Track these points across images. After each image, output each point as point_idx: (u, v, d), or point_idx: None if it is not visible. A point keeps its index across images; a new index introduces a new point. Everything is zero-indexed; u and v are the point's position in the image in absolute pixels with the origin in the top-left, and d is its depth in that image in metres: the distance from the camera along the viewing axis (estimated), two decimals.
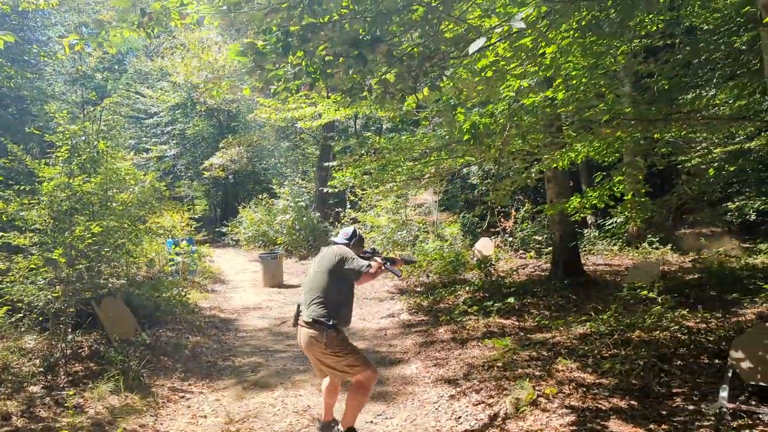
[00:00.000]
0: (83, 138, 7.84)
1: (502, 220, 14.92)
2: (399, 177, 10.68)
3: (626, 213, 6.21)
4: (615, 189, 5.90)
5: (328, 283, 4.27)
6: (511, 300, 8.31)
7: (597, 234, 15.38)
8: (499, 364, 6.16)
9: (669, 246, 13.33)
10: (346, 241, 4.62)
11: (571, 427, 4.43)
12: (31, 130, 8.06)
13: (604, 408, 4.70)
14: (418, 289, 11.00)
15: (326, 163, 10.85)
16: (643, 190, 5.59)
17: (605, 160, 4.64)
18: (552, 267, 10.45)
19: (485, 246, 14.71)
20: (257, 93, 4.73)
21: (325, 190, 11.30)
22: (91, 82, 27.95)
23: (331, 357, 4.25)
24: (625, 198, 5.82)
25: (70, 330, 7.15)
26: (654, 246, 13.52)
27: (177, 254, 12.49)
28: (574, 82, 4.82)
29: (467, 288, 9.71)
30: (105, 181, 7.66)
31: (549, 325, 7.49)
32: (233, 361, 7.37)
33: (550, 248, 13.55)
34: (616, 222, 6.38)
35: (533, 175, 5.33)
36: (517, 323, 7.92)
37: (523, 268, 11.26)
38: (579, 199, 6.21)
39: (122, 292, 8.84)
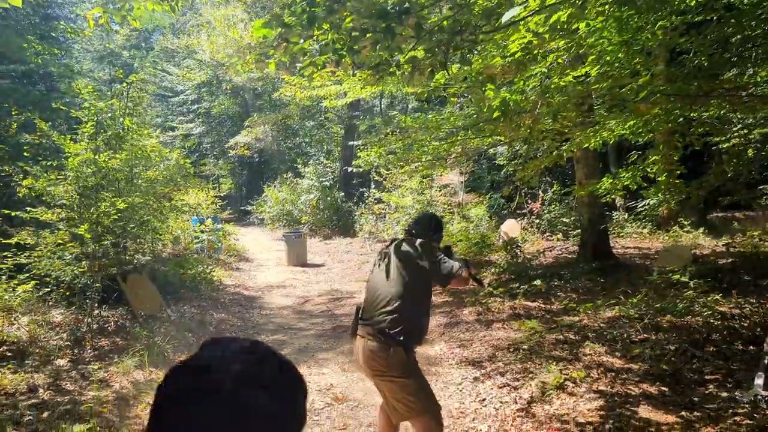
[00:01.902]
0: (109, 114, 7.85)
1: (529, 201, 14.70)
2: (425, 157, 10.54)
3: (660, 195, 6.01)
4: (649, 170, 5.71)
5: (407, 287, 3.27)
6: (537, 282, 8.18)
7: (626, 217, 15.09)
8: (525, 347, 6.06)
9: (701, 230, 13.02)
10: (427, 234, 3.60)
11: (599, 412, 4.33)
12: (58, 106, 8.11)
13: (633, 393, 4.58)
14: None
15: (351, 143, 10.76)
16: (678, 171, 5.39)
17: (639, 139, 4.45)
18: (580, 250, 10.27)
19: (511, 228, 14.53)
20: (283, 69, 4.62)
21: (349, 169, 11.23)
22: (118, 60, 28.17)
23: (391, 381, 3.22)
24: (660, 179, 5.63)
25: (96, 305, 7.22)
26: (685, 229, 13.22)
27: (202, 232, 12.56)
28: (608, 58, 4.63)
29: (493, 270, 9.58)
30: (130, 157, 7.66)
31: (576, 309, 7.35)
32: (258, 338, 7.37)
33: (578, 231, 13.37)
34: (648, 204, 6.19)
35: (564, 154, 5.16)
36: (544, 306, 7.79)
37: (550, 251, 11.09)
38: (610, 180, 6.03)
39: (148, 268, 8.91)
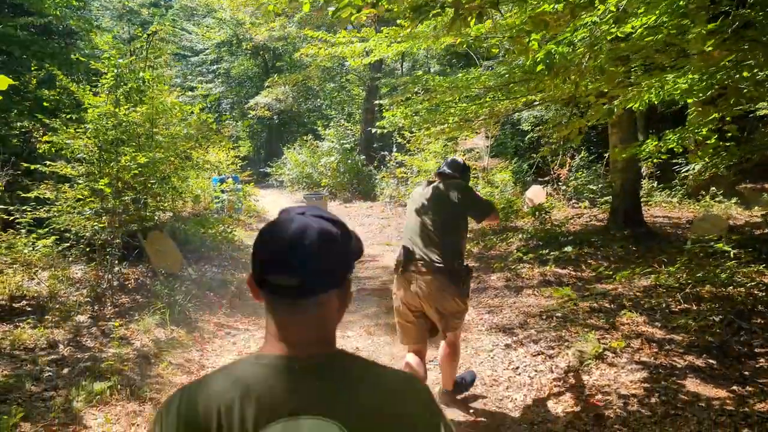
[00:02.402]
0: (130, 68, 7.60)
1: (555, 168, 14.31)
2: (451, 118, 10.21)
3: (706, 159, 5.67)
4: (695, 132, 5.35)
5: (449, 223, 3.68)
6: (568, 249, 7.91)
7: (655, 185, 14.66)
8: (559, 315, 5.83)
9: (733, 200, 12.59)
10: (458, 175, 3.94)
11: (643, 384, 4.10)
12: (77, 57, 7.86)
13: (678, 366, 4.34)
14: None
15: (376, 101, 10.36)
16: (730, 134, 5.04)
17: (699, 95, 4.10)
18: (610, 217, 9.93)
19: (537, 194, 14.20)
20: (309, 27, 4.32)
21: (372, 131, 10.91)
22: (137, 18, 27.76)
23: (457, 302, 3.66)
24: (709, 142, 5.28)
25: (116, 262, 7.08)
26: (717, 199, 12.80)
27: (222, 192, 12.39)
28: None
29: (520, 236, 9.30)
30: (151, 111, 7.42)
31: (610, 276, 7.09)
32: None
33: (606, 198, 13.00)
34: (693, 169, 5.82)
35: (615, 109, 4.82)
36: (575, 273, 7.53)
37: (578, 218, 10.77)
38: (655, 143, 5.69)
39: (168, 226, 8.76)
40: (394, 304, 3.89)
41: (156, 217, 7.29)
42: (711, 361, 4.37)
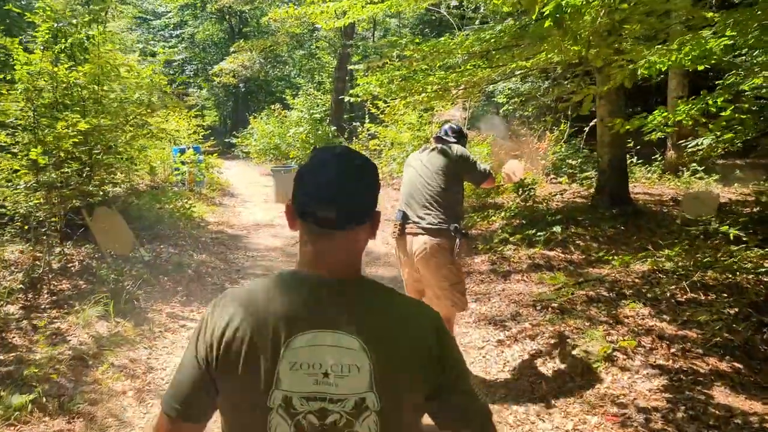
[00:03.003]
0: (71, 20, 6.70)
1: (536, 141, 13.75)
2: (430, 87, 9.52)
3: (717, 132, 5.11)
4: (711, 102, 4.78)
5: (448, 186, 3.73)
6: (557, 229, 7.35)
7: (634, 161, 14.22)
8: (554, 305, 5.25)
9: (713, 176, 12.20)
10: (455, 140, 4.02)
11: (664, 394, 3.54)
12: (9, 7, 6.90)
13: (701, 371, 3.79)
14: None
15: (350, 67, 9.65)
16: (747, 105, 4.49)
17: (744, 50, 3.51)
18: (596, 194, 9.40)
19: (515, 168, 13.50)
20: None
21: (345, 99, 10.14)
22: None
23: (451, 268, 3.71)
24: (724, 114, 4.72)
25: (58, 242, 6.30)
26: (698, 176, 12.39)
27: (183, 163, 11.52)
28: None
29: (502, 214, 8.71)
30: (96, 72, 6.55)
31: (602, 259, 6.56)
32: (242, 285, 6.51)
33: (587, 174, 12.51)
34: (701, 143, 5.34)
35: (639, 72, 4.18)
36: (564, 256, 6.97)
37: (561, 194, 10.22)
38: (664, 114, 5.10)
39: (121, 201, 7.95)
40: (400, 268, 4.04)
41: (104, 192, 6.45)
42: (737, 364, 3.83)
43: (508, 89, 17.88)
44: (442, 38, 8.52)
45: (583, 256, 6.95)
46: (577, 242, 7.48)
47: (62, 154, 6.23)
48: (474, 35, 8.62)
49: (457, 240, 3.66)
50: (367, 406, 1.10)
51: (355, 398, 1.10)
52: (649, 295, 5.29)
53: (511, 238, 7.18)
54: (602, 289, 5.58)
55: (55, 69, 6.00)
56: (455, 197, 3.81)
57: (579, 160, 13.70)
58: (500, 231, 7.75)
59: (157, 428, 1.20)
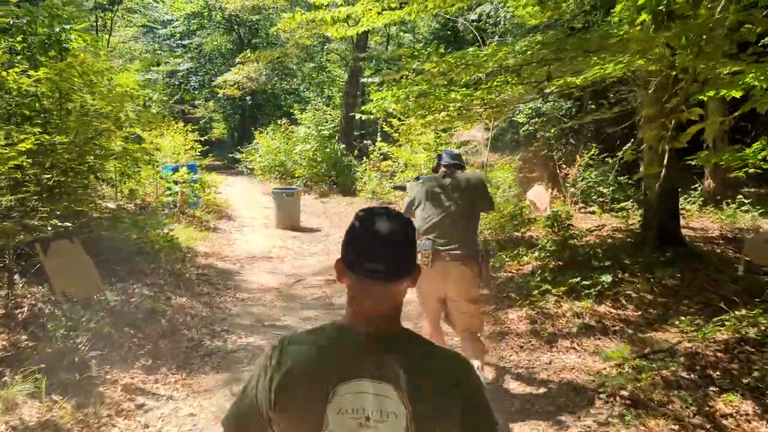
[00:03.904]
0: (36, 16, 5.60)
1: (563, 166, 12.56)
2: (452, 106, 8.38)
3: None
4: None
5: (471, 213, 3.94)
6: (606, 279, 6.12)
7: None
8: (624, 393, 4.03)
9: (759, 210, 10.94)
10: (463, 165, 4.18)
11: None
12: None
13: None
14: None
15: (363, 79, 8.55)
16: None
17: None
18: (643, 231, 8.18)
19: (539, 196, 12.43)
20: None
21: (357, 116, 9.00)
22: None
23: (479, 291, 4.01)
24: None
25: (3, 283, 5.18)
26: (744, 208, 11.13)
27: (175, 183, 10.39)
28: None
29: (536, 254, 7.48)
30: (63, 77, 5.41)
31: (665, 318, 5.38)
32: (225, 341, 5.31)
33: (622, 205, 11.30)
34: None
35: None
36: (616, 312, 5.76)
37: (599, 229, 8.98)
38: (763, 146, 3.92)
39: (94, 227, 6.81)
40: (421, 301, 4.17)
41: (50, 225, 5.27)
42: None
43: (529, 109, 16.73)
44: (470, 49, 7.37)
45: (639, 313, 5.76)
46: (628, 293, 6.26)
47: (18, 175, 5.13)
48: (507, 47, 7.47)
49: (485, 262, 3.88)
50: None
51: None
52: (744, 381, 4.07)
53: (553, 290, 5.94)
54: (679, 366, 4.36)
55: (4, 74, 4.89)
56: (476, 222, 4.06)
57: (611, 188, 12.51)
58: (536, 276, 6.53)
59: None
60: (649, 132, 7.94)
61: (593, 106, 16.48)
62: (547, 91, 8.17)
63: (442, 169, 4.09)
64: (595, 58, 6.27)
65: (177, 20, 24.79)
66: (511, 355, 4.90)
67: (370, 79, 8.14)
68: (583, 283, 6.11)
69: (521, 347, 5.04)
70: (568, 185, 12.25)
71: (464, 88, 8.53)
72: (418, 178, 4.36)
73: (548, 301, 5.89)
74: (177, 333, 5.36)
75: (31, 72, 4.94)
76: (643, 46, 3.45)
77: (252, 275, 7.58)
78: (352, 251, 1.32)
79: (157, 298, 6.05)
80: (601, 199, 12.28)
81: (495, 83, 8.43)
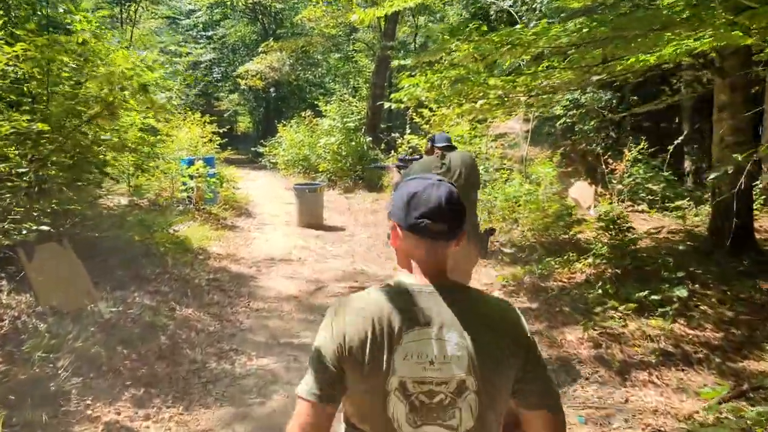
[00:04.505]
0: None
1: (608, 161, 11.57)
2: (492, 93, 7.51)
3: None
4: None
5: (469, 191, 4.06)
6: (681, 293, 5.20)
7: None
8: None
9: None
10: (454, 147, 4.40)
11: None
12: None
13: None
14: (507, 250, 7.93)
15: (394, 62, 7.68)
16: None
17: None
18: (710, 235, 7.24)
19: (582, 193, 11.54)
20: None
21: (386, 105, 8.14)
22: None
23: (473, 264, 4.18)
24: None
25: None
26: None
27: (191, 177, 9.68)
28: None
29: (589, 260, 6.57)
30: (46, 55, 4.67)
31: (753, 341, 4.49)
32: (233, 364, 4.53)
33: (677, 204, 10.33)
34: None
35: None
36: (693, 333, 4.86)
37: (657, 231, 8.02)
38: None
39: (90, 231, 6.11)
40: None
41: (26, 228, 4.53)
42: None
43: (567, 100, 15.67)
44: (518, 26, 6.49)
45: (720, 334, 4.85)
46: (703, 308, 5.35)
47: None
48: (558, 25, 6.56)
49: (488, 239, 4.15)
50: (467, 387, 1.35)
51: (456, 381, 1.35)
52: None
53: (619, 306, 5.03)
54: None
55: None
56: (475, 201, 4.28)
57: (661, 185, 11.50)
58: (596, 288, 5.62)
59: (299, 414, 1.40)
60: (724, 122, 6.99)
61: (635, 98, 15.52)
62: (598, 77, 7.28)
63: (437, 150, 4.20)
64: (669, 34, 5.37)
65: (200, 10, 24.14)
66: (575, 390, 4.03)
67: (403, 61, 7.25)
68: (652, 297, 5.20)
69: (587, 379, 4.17)
70: (614, 181, 11.25)
71: (504, 76, 7.69)
72: (402, 160, 5.12)
73: (612, 319, 4.99)
74: (178, 353, 4.59)
75: (5, 48, 4.19)
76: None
77: (269, 280, 6.80)
78: (415, 215, 1.42)
79: (159, 309, 5.31)
80: (650, 197, 11.29)
81: (540, 68, 7.56)
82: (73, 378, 3.90)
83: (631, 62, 5.74)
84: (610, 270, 6.42)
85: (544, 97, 7.99)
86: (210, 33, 25.63)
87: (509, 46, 6.35)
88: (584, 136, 16.06)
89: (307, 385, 1.41)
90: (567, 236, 7.73)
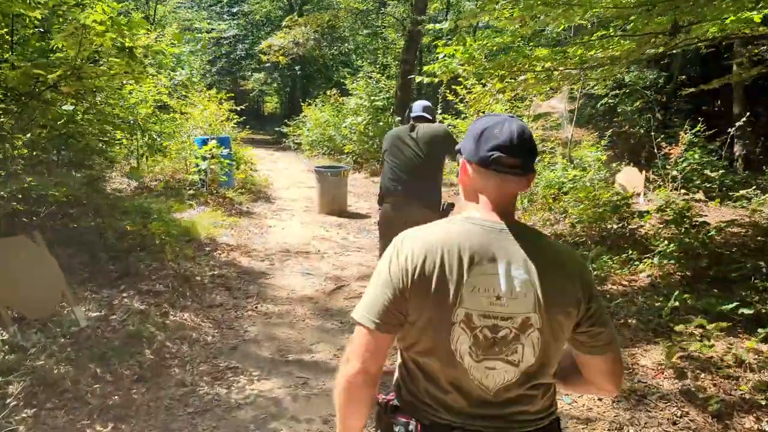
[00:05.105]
0: None
1: (662, 144, 10.47)
2: (540, 66, 6.57)
3: None
4: None
5: (431, 162, 4.04)
6: None
7: None
8: None
9: None
10: (431, 118, 4.29)
11: None
12: None
13: None
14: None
15: (429, 26, 6.69)
16: None
17: None
18: None
19: (631, 179, 10.46)
20: None
21: (417, 80, 7.19)
22: None
23: None
24: None
25: None
26: None
27: (203, 159, 8.90)
28: None
29: (654, 259, 5.59)
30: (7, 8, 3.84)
31: None
32: (230, 388, 3.70)
33: (741, 193, 9.26)
34: None
35: None
36: None
37: (728, 225, 6.94)
38: None
39: (72, 221, 5.35)
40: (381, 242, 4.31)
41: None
42: None
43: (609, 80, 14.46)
44: None
45: None
46: None
47: None
48: None
49: (446, 211, 4.01)
50: (531, 324, 1.34)
51: (521, 317, 1.34)
52: None
53: (708, 325, 4.06)
54: None
55: None
56: (440, 171, 4.12)
57: (719, 172, 10.41)
58: (668, 296, 4.66)
59: (356, 341, 1.39)
60: None
61: (684, 77, 14.29)
62: (661, 47, 6.27)
63: (411, 121, 4.20)
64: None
65: None
66: None
67: (438, 26, 6.29)
68: (743, 311, 4.24)
69: (674, 423, 3.24)
70: (668, 167, 10.16)
71: (544, 50, 6.75)
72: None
73: (693, 337, 4.04)
74: (163, 372, 3.79)
75: None
76: None
77: (282, 277, 5.97)
78: (486, 148, 1.39)
79: (149, 313, 4.51)
80: (707, 185, 10.20)
81: (595, 36, 6.60)
82: (25, 409, 3.12)
83: (711, 30, 4.75)
84: (680, 273, 5.46)
85: (599, 70, 6.99)
86: (235, 9, 24.82)
87: (565, 6, 5.38)
88: (627, 117, 14.95)
89: (366, 310, 1.40)
90: (623, 229, 6.74)
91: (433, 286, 1.32)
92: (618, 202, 6.83)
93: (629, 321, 4.53)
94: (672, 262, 5.43)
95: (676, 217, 5.83)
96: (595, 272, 5.46)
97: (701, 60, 14.59)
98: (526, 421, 1.37)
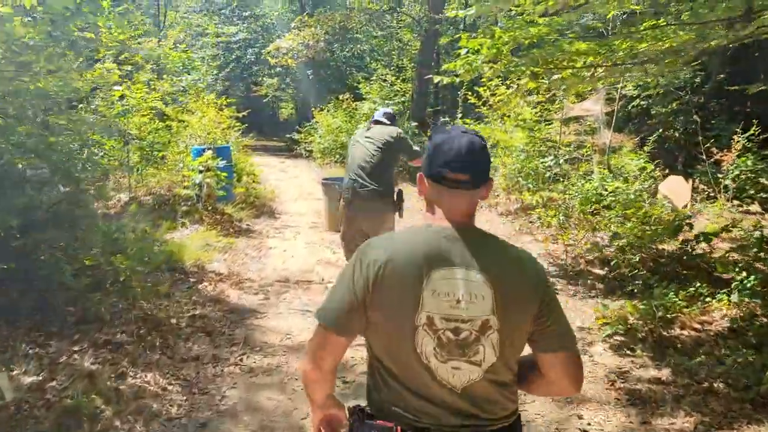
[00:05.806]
0: None
1: (713, 150, 9.38)
2: (580, 61, 5.58)
3: None
4: None
5: (388, 161, 4.56)
6: None
7: None
8: None
9: None
10: (389, 123, 4.76)
11: None
12: None
13: None
14: (598, 271, 5.96)
15: (450, 13, 5.86)
16: None
17: None
18: None
19: (677, 189, 9.38)
20: None
21: (435, 80, 6.18)
22: None
23: (392, 224, 4.57)
24: None
25: None
26: None
27: (200, 171, 7.99)
28: None
29: (732, 296, 4.53)
30: None
31: None
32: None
33: None
34: None
35: None
36: None
37: None
38: None
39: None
40: (342, 234, 4.94)
41: None
42: None
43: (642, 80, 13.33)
44: None
45: None
46: None
47: None
48: None
49: (400, 202, 4.57)
50: (490, 326, 1.40)
51: (481, 320, 1.40)
52: None
53: None
54: None
55: None
56: (392, 168, 4.66)
57: None
58: (751, 347, 3.62)
59: (315, 337, 1.48)
60: None
61: (722, 76, 13.14)
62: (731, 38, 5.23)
63: (371, 125, 4.78)
64: None
65: None
66: None
67: (463, 12, 5.27)
68: None
69: None
70: (720, 175, 9.07)
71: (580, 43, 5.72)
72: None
73: None
74: None
75: None
76: None
77: (277, 317, 5.00)
78: (438, 165, 1.46)
79: (101, 375, 3.56)
80: (762, 195, 9.09)
81: (644, 26, 5.59)
82: None
83: None
84: (761, 311, 4.41)
85: (654, 67, 5.94)
86: (247, 13, 24.06)
87: None
88: (662, 120, 13.86)
89: (326, 311, 1.47)
90: (683, 253, 5.67)
91: (396, 291, 1.40)
92: (678, 221, 5.78)
93: (716, 386, 3.50)
94: (757, 300, 4.37)
95: (757, 242, 4.77)
96: (659, 313, 4.41)
97: (730, 58, 13.46)
98: (494, 419, 1.42)
